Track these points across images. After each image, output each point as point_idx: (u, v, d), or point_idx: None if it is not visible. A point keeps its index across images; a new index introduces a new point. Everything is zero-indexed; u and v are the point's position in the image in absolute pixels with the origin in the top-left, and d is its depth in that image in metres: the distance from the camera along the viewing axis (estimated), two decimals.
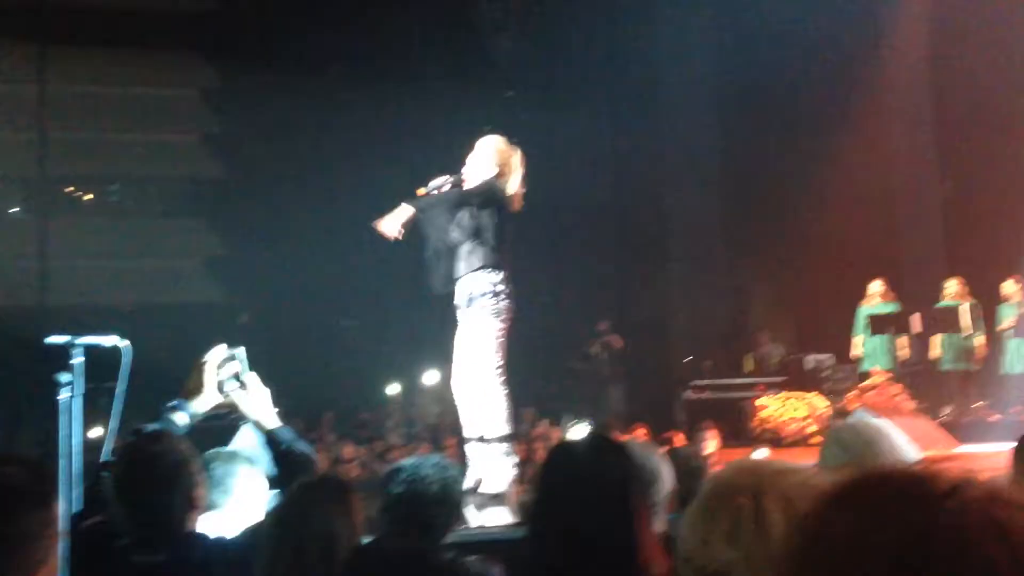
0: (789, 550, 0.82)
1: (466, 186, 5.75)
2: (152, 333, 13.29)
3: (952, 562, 0.73)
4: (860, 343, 11.46)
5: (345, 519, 2.41)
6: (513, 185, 5.84)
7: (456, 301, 5.82)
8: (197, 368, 2.82)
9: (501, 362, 5.69)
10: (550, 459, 2.17)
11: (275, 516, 2.47)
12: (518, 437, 9.00)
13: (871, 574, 0.75)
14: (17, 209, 17.81)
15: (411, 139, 14.08)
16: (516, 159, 5.90)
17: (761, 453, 8.13)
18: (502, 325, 5.67)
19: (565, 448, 2.19)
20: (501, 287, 5.66)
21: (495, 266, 5.68)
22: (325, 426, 13.07)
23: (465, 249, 5.76)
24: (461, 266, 5.77)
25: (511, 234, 5.79)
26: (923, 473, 0.81)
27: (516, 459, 5.94)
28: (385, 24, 15.30)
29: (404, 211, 5.73)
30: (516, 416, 6.26)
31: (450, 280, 5.81)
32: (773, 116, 14.17)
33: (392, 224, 5.72)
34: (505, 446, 5.73)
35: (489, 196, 5.70)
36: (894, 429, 2.74)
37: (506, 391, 5.72)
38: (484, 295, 5.64)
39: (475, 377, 5.75)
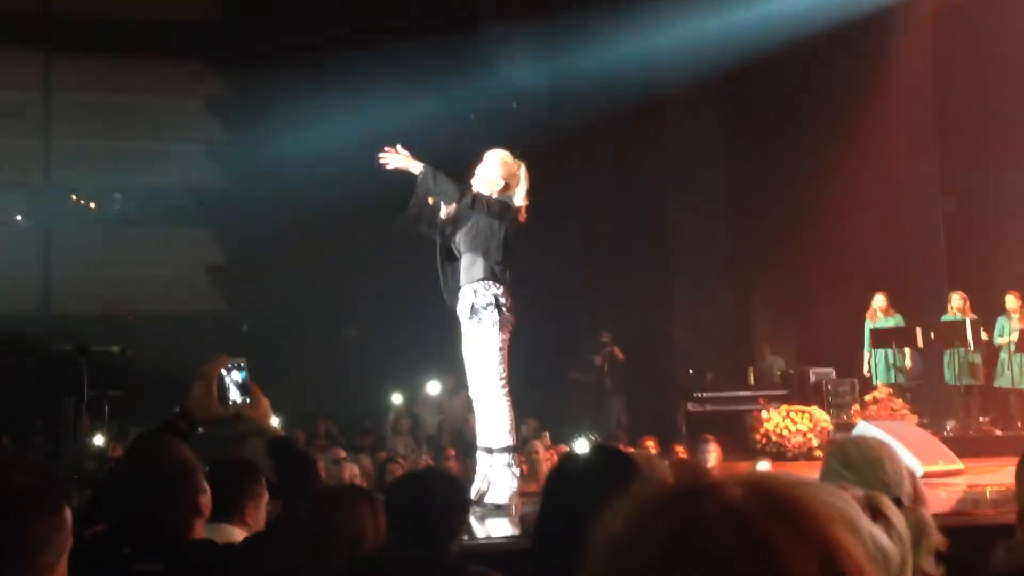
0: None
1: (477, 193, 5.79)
2: (155, 342, 13.33)
3: (700, 555, 0.76)
4: (868, 359, 11.48)
5: (370, 521, 2.42)
6: (519, 198, 5.87)
7: (458, 312, 5.84)
8: (200, 377, 2.82)
9: (504, 373, 5.70)
10: (557, 470, 2.17)
11: (299, 517, 2.48)
12: (521, 449, 9.01)
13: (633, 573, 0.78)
14: (21, 217, 17.83)
15: (415, 149, 14.07)
16: (521, 172, 5.93)
17: (763, 466, 8.13)
18: (504, 336, 5.69)
19: (572, 459, 2.19)
20: (503, 299, 5.68)
21: (497, 278, 5.70)
22: (322, 434, 13.06)
23: (468, 260, 5.79)
24: (463, 276, 5.79)
25: (515, 247, 5.81)
26: (698, 478, 0.84)
27: (519, 470, 5.95)
28: (389, 35, 15.34)
29: (414, 167, 5.77)
30: (518, 427, 6.26)
31: (455, 292, 5.84)
32: (776, 130, 14.19)
33: (396, 159, 5.79)
34: (508, 457, 5.73)
35: (503, 211, 5.73)
36: (898, 445, 2.74)
37: (509, 402, 5.73)
38: (486, 307, 5.66)
39: (478, 388, 5.76)
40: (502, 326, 5.69)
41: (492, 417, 5.74)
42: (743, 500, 0.79)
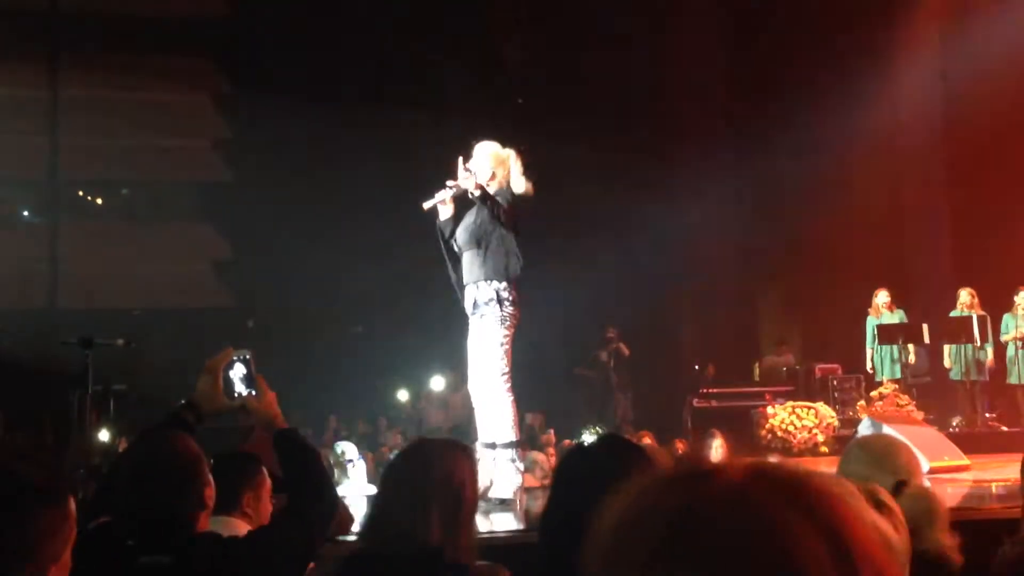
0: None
1: (478, 190, 5.77)
2: (162, 336, 13.35)
3: (705, 536, 0.75)
4: (870, 356, 11.47)
5: (467, 469, 2.44)
6: (518, 184, 5.86)
7: (465, 307, 5.86)
8: (206, 370, 2.82)
9: (507, 369, 5.71)
10: (565, 460, 2.16)
11: (396, 465, 2.50)
12: (525, 443, 9.02)
13: (638, 555, 0.77)
14: (28, 212, 17.87)
15: (420, 145, 14.10)
16: (511, 159, 5.92)
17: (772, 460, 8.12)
18: (507, 332, 5.69)
19: (581, 449, 2.18)
20: (505, 294, 5.68)
21: (500, 274, 5.70)
22: (330, 429, 13.09)
23: (469, 258, 5.79)
24: (466, 274, 5.80)
25: (518, 243, 5.81)
26: (699, 461, 0.83)
27: (523, 465, 5.96)
28: (394, 31, 15.34)
29: (447, 192, 5.81)
30: (522, 422, 6.26)
31: (462, 289, 5.85)
32: (782, 125, 14.16)
33: (441, 197, 5.81)
34: (512, 452, 5.74)
35: (507, 217, 5.74)
36: (903, 440, 2.75)
37: (512, 397, 5.73)
38: (489, 302, 5.67)
39: (482, 383, 5.77)
40: (504, 322, 5.69)
41: (495, 413, 5.74)
42: (748, 482, 0.78)
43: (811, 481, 0.78)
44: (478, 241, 5.75)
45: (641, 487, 0.82)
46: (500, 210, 5.69)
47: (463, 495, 2.38)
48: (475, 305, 5.74)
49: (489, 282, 5.71)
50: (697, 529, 0.75)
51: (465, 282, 5.82)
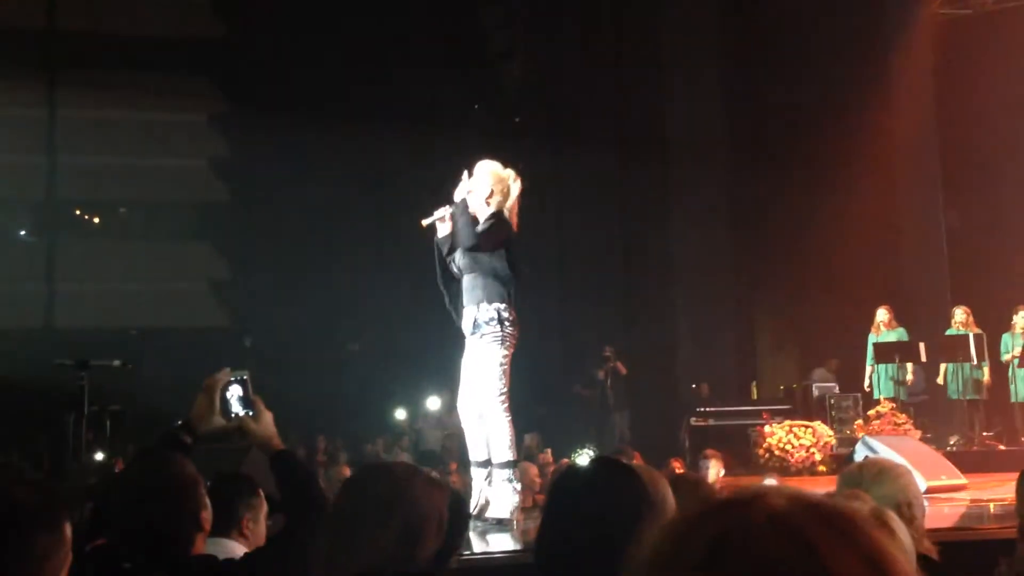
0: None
1: (472, 211, 5.79)
2: (158, 356, 13.33)
3: (746, 561, 0.76)
4: (869, 374, 11.46)
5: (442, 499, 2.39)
6: (505, 207, 5.89)
7: (463, 327, 5.86)
8: (203, 389, 2.82)
9: (505, 389, 5.72)
10: (559, 482, 2.16)
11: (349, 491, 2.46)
12: (521, 463, 9.02)
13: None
14: (25, 232, 17.88)
15: (417, 163, 14.13)
16: (511, 181, 5.94)
17: (770, 482, 8.10)
18: (506, 352, 5.70)
19: (574, 471, 2.18)
20: (505, 315, 5.69)
21: (499, 295, 5.72)
22: (322, 449, 13.06)
23: (468, 281, 5.81)
24: (466, 296, 5.81)
25: (516, 261, 5.81)
26: (739, 489, 0.85)
27: (519, 485, 5.95)
28: (393, 50, 15.40)
29: (445, 210, 5.84)
30: (517, 441, 6.26)
31: (460, 310, 5.87)
32: (780, 146, 14.22)
33: (440, 214, 5.84)
34: (509, 472, 5.73)
35: (495, 228, 5.74)
36: (901, 460, 2.75)
37: (509, 418, 5.74)
38: (489, 322, 5.68)
39: (480, 403, 5.77)
40: (505, 342, 5.71)
41: (493, 432, 5.74)
42: (788, 508, 0.80)
43: (852, 511, 0.81)
44: (477, 265, 5.78)
45: (679, 517, 0.84)
46: (481, 238, 5.74)
47: (423, 516, 2.31)
48: (475, 325, 5.75)
49: (491, 303, 5.73)
50: (737, 555, 0.77)
51: (465, 303, 5.84)
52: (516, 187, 5.92)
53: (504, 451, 5.73)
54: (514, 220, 5.90)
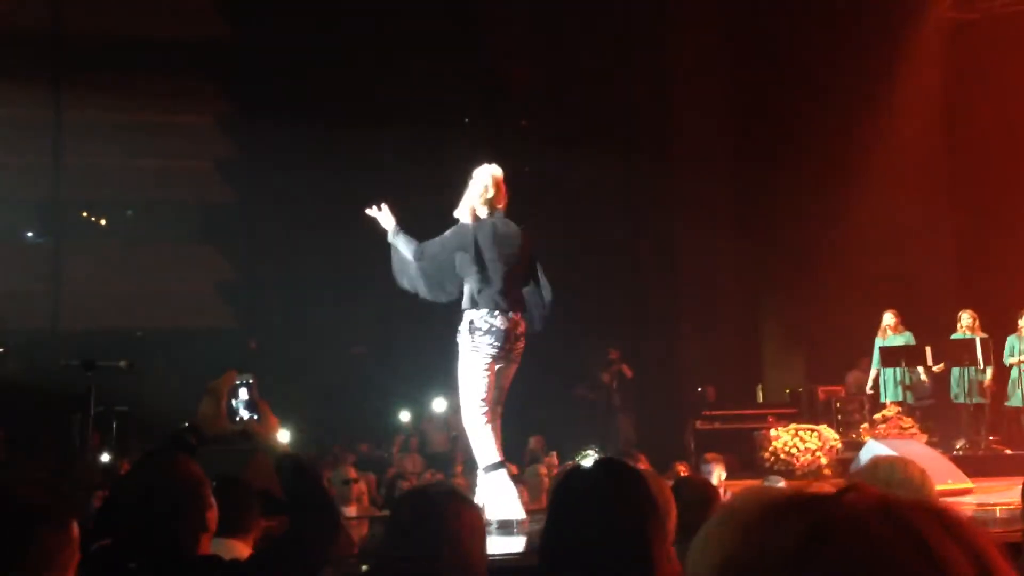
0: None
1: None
2: (164, 357, 13.33)
3: (853, 545, 0.74)
4: (873, 376, 11.44)
5: (468, 522, 2.40)
6: (484, 210, 5.91)
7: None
8: (209, 394, 2.82)
9: (481, 395, 5.74)
10: (563, 484, 2.16)
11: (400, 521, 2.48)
12: (515, 463, 9.07)
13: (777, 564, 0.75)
14: (31, 234, 17.91)
15: (422, 166, 14.14)
16: (488, 178, 5.96)
17: (775, 481, 8.09)
18: (480, 359, 5.72)
19: (577, 473, 2.17)
20: (479, 323, 5.72)
21: (472, 303, 5.77)
22: (329, 451, 13.06)
23: (455, 281, 5.91)
24: (462, 300, 5.90)
25: (497, 267, 5.79)
26: (809, 488, 0.83)
27: (512, 486, 5.98)
28: (397, 53, 15.41)
29: (387, 223, 6.01)
30: (522, 444, 6.30)
31: (404, 281, 6.06)
32: (787, 151, 14.20)
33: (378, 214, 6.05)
34: (501, 473, 5.77)
35: (458, 236, 5.81)
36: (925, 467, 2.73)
37: (485, 421, 5.77)
38: (463, 331, 5.76)
39: (462, 412, 5.86)
40: (479, 349, 5.74)
41: (470, 438, 5.86)
42: (894, 500, 0.77)
43: (956, 509, 0.81)
44: (443, 275, 5.93)
45: (751, 513, 0.80)
46: (431, 253, 5.82)
47: (470, 549, 2.34)
48: (457, 332, 5.86)
49: (467, 310, 5.82)
50: (837, 544, 0.74)
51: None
52: (478, 178, 5.96)
53: (483, 456, 5.79)
54: (473, 211, 5.90)
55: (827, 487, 0.82)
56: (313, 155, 14.96)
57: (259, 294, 16.05)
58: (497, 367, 5.81)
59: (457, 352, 5.91)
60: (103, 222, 18.39)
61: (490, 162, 6.05)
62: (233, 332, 16.29)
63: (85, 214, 18.19)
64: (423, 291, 6.08)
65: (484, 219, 5.84)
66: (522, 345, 5.92)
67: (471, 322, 5.75)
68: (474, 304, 5.76)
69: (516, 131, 15.43)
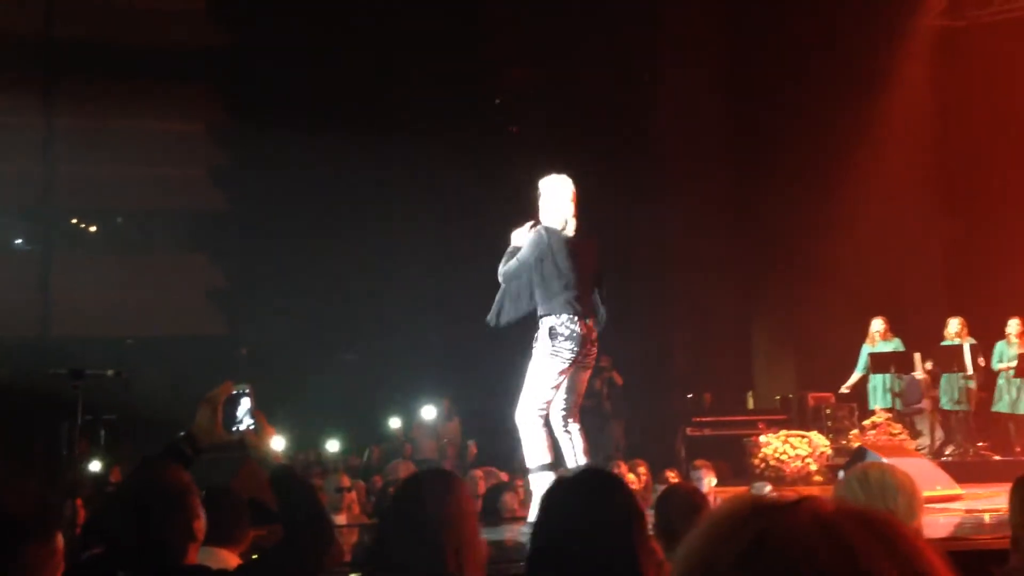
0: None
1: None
2: (154, 365, 13.30)
3: (785, 552, 0.80)
4: (853, 381, 11.48)
5: (456, 497, 2.45)
6: (558, 219, 6.04)
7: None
8: (205, 403, 2.83)
9: (548, 397, 5.83)
10: (550, 494, 2.17)
11: (395, 500, 2.51)
12: (507, 471, 9.10)
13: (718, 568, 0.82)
14: (21, 241, 17.87)
15: (415, 173, 14.15)
16: (564, 189, 6.12)
17: (762, 488, 8.10)
18: (561, 365, 5.78)
19: (565, 483, 2.19)
20: (562, 328, 5.78)
21: (552, 309, 5.82)
22: (318, 458, 13.06)
23: (531, 291, 5.95)
24: (538, 307, 5.93)
25: (574, 275, 5.87)
26: (780, 496, 0.88)
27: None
28: (390, 59, 15.42)
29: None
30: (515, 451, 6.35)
31: (499, 316, 6.00)
32: (778, 156, 14.25)
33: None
34: (542, 475, 5.85)
35: (535, 246, 5.87)
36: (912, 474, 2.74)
37: (543, 424, 5.86)
38: (541, 336, 5.81)
39: (519, 409, 5.90)
40: (558, 355, 5.79)
41: (523, 437, 5.92)
42: (833, 512, 0.83)
43: (897, 521, 0.84)
44: (522, 281, 5.99)
45: (719, 517, 0.86)
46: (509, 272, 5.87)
47: (458, 522, 2.39)
48: (535, 337, 5.91)
49: (544, 316, 5.87)
50: (775, 549, 0.80)
51: (527, 313, 6.02)
52: (555, 188, 6.11)
53: (534, 456, 5.87)
54: (564, 228, 6.03)
55: (814, 494, 0.87)
56: (305, 163, 14.96)
57: (250, 302, 16.02)
58: (572, 372, 5.88)
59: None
60: (93, 229, 18.36)
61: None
62: (223, 339, 16.27)
63: (75, 221, 18.15)
64: (510, 314, 6.06)
65: (559, 228, 5.94)
66: (595, 351, 5.99)
67: (551, 328, 5.80)
68: (554, 310, 5.81)
69: (509, 136, 15.45)
